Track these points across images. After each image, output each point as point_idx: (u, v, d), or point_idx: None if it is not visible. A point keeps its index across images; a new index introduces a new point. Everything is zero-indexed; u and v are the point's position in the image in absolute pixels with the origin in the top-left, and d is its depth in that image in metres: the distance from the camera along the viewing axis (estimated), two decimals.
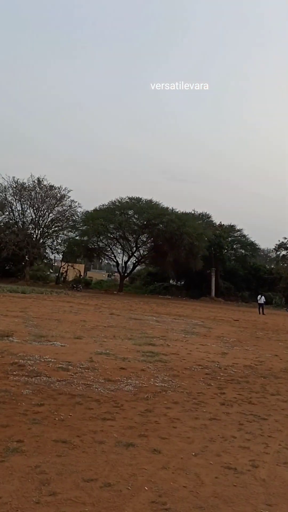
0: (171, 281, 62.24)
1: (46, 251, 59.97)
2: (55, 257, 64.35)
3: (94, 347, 9.12)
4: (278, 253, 63.66)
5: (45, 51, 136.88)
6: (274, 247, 62.92)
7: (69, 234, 55.45)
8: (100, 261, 75.21)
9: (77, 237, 53.45)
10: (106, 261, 67.36)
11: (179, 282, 63.64)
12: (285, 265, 62.17)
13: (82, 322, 14.10)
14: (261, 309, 35.90)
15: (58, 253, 60.50)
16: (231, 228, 65.14)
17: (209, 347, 11.21)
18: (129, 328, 13.86)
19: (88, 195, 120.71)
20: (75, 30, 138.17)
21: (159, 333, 13.27)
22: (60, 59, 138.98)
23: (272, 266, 63.29)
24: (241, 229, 65.27)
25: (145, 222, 50.46)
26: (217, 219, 65.11)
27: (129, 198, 53.00)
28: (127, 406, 5.23)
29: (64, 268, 62.30)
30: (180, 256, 48.80)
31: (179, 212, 52.78)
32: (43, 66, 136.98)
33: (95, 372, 6.84)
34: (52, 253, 60.94)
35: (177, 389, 6.36)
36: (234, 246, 65.76)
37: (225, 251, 62.49)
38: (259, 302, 36.67)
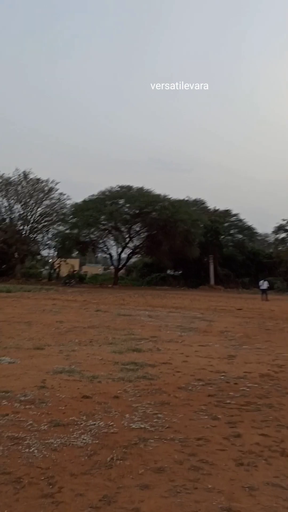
0: (168, 271, 59.86)
1: (40, 247, 57.65)
2: (48, 253, 62.08)
3: (56, 361, 6.74)
4: (277, 235, 61.34)
5: (44, 45, 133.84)
6: (273, 230, 60.58)
7: (59, 228, 53.15)
8: (96, 255, 73.03)
9: (67, 231, 51.01)
10: (100, 255, 65.20)
11: (176, 272, 61.33)
12: (285, 248, 59.91)
13: (57, 324, 11.75)
14: (264, 295, 33.61)
15: (49, 248, 58.21)
16: (227, 213, 62.98)
17: (211, 348, 8.86)
18: (114, 328, 11.50)
19: (77, 187, 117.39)
20: (75, 27, 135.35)
21: (149, 332, 10.92)
22: (59, 54, 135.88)
23: (271, 250, 60.79)
24: (237, 214, 63.06)
25: (137, 211, 48.12)
26: (211, 205, 62.80)
27: (119, 187, 50.62)
28: (68, 491, 2.86)
29: (57, 264, 60.22)
30: (175, 244, 46.57)
31: (172, 199, 50.34)
32: (41, 60, 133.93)
33: (40, 409, 4.48)
34: (43, 248, 58.54)
35: (164, 433, 4.00)
36: (231, 231, 63.67)
37: (222, 237, 60.27)
38: (261, 287, 34.37)
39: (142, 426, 4.14)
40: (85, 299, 24.47)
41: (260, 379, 6.39)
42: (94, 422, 4.17)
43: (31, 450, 3.47)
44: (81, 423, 4.14)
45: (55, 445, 3.59)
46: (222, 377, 6.34)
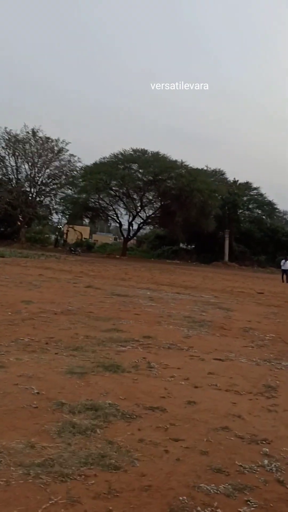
0: (181, 245, 56.52)
1: (49, 211, 54.58)
2: (58, 219, 59.12)
3: None
4: None
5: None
6: None
7: (68, 191, 49.91)
8: (108, 224, 69.84)
9: (75, 195, 47.73)
10: (112, 224, 62.05)
11: (189, 246, 58.01)
12: None
13: (21, 305, 8.57)
14: (285, 276, 30.22)
15: (56, 213, 55.20)
16: (247, 185, 58.94)
17: (234, 367, 5.60)
18: (96, 316, 8.28)
19: (90, 149, 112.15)
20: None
21: (143, 327, 7.68)
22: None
23: None
24: (258, 188, 58.99)
25: (151, 178, 44.53)
26: (231, 177, 58.74)
27: (133, 150, 46.76)
28: None
29: (65, 230, 57.56)
30: (190, 216, 43.26)
31: (189, 167, 46.42)
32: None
33: None
34: (51, 213, 55.47)
35: None
36: (250, 206, 59.91)
37: (240, 211, 56.57)
38: (283, 267, 30.87)
39: None
40: (82, 270, 21.36)
41: None
42: None
43: None
44: None
45: None
46: (266, 459, 3.08)
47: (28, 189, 49.10)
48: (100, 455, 2.85)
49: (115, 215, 50.26)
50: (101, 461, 2.78)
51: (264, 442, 3.36)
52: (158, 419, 3.57)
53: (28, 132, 46.40)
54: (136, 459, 2.88)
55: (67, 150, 46.85)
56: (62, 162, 48.55)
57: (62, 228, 59.32)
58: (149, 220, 50.88)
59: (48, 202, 51.37)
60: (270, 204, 59.00)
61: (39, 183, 48.49)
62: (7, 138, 46.79)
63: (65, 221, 57.14)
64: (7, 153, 47.60)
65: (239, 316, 10.36)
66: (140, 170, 44.73)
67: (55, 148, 47.58)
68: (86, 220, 57.49)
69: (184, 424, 3.52)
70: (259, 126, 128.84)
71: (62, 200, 50.02)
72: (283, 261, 31.20)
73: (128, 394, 4.08)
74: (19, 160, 47.89)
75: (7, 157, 47.82)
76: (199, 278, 24.61)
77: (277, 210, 60.32)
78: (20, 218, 49.21)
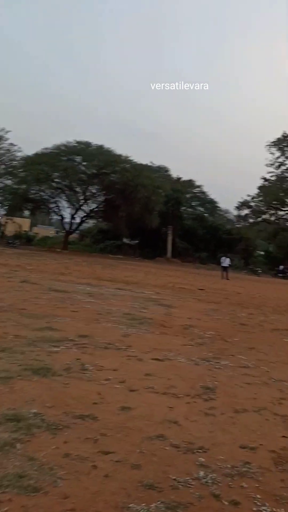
0: (124, 240, 56.35)
1: None
2: None
3: None
4: (240, 211, 59.13)
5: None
6: (236, 205, 58.21)
7: (7, 182, 48.07)
8: (49, 217, 68.11)
9: (14, 185, 46.01)
10: (52, 216, 60.61)
11: (132, 241, 57.99)
12: (247, 224, 57.95)
13: None
14: (225, 273, 30.87)
15: None
16: (190, 183, 60.01)
17: (172, 367, 5.40)
18: (30, 313, 7.79)
19: (31, 140, 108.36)
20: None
21: (80, 324, 7.32)
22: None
23: (229, 227, 58.22)
24: (201, 186, 60.16)
25: (95, 171, 43.83)
26: (175, 174, 59.48)
27: (76, 142, 45.78)
28: None
29: (3, 222, 55.58)
30: (134, 211, 43.12)
31: (134, 161, 46.26)
32: None
33: None
34: None
35: None
36: (193, 203, 60.93)
37: (183, 208, 57.36)
38: (222, 264, 31.55)
39: None
40: (19, 263, 20.50)
41: (276, 468, 3.01)
42: None
43: None
44: None
45: None
46: (201, 471, 2.88)
47: None
48: (17, 475, 2.51)
49: (57, 207, 49.09)
50: (18, 482, 2.44)
51: (200, 450, 3.16)
52: (88, 429, 3.26)
53: None
54: (60, 478, 2.56)
55: (7, 139, 45.26)
56: (1, 151, 46.92)
57: (0, 220, 57.21)
58: (92, 214, 50.17)
59: None
60: (212, 202, 60.50)
61: None
62: None
63: (3, 213, 55.06)
64: None
65: (179, 313, 10.26)
66: (84, 163, 43.97)
67: None
68: (26, 212, 55.73)
69: (116, 434, 3.24)
70: (204, 127, 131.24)
71: (0, 191, 48.17)
72: (223, 258, 31.91)
73: (57, 401, 3.74)
74: None
75: None
76: (141, 273, 24.49)
77: (218, 208, 61.90)
78: None
